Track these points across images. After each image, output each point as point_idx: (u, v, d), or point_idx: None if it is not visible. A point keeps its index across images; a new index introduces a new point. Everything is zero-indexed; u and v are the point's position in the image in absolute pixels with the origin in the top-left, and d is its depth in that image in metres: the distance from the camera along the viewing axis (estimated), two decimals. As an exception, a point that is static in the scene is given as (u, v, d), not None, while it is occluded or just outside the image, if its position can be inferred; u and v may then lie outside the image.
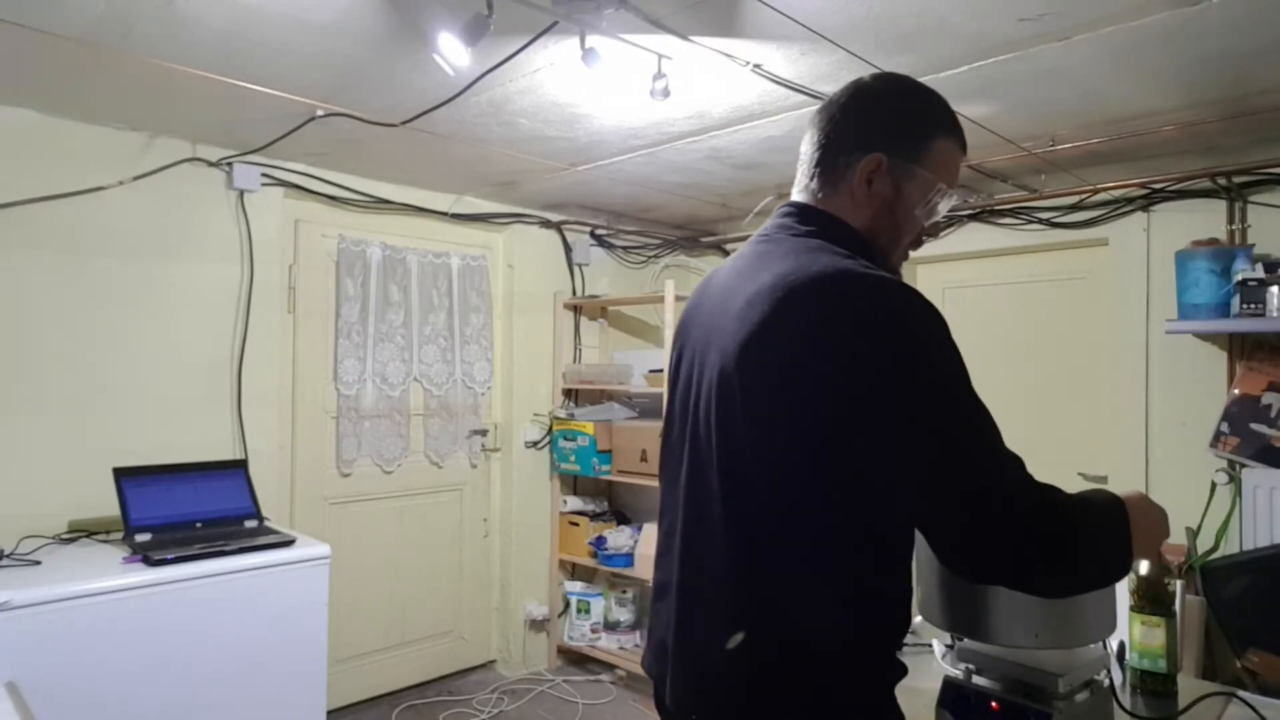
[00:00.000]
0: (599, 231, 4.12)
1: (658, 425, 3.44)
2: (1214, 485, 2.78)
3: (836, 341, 0.91)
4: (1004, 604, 1.15)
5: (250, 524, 2.51)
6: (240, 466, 2.64)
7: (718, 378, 1.02)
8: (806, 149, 1.13)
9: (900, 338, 0.91)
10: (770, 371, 0.95)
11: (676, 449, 1.14)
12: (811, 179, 1.11)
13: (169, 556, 2.12)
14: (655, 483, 3.43)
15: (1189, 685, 1.46)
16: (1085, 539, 0.92)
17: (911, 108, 1.10)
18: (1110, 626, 1.21)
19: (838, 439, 0.91)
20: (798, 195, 1.13)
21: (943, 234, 3.49)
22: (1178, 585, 1.53)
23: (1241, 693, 1.40)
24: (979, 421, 0.91)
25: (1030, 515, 0.88)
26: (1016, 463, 0.91)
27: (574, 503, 3.92)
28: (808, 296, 0.94)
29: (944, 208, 1.10)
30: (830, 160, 1.09)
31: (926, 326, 0.92)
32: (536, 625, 3.83)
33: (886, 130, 1.07)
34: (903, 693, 1.41)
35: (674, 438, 1.16)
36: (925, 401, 0.89)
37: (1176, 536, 2.80)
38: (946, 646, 1.40)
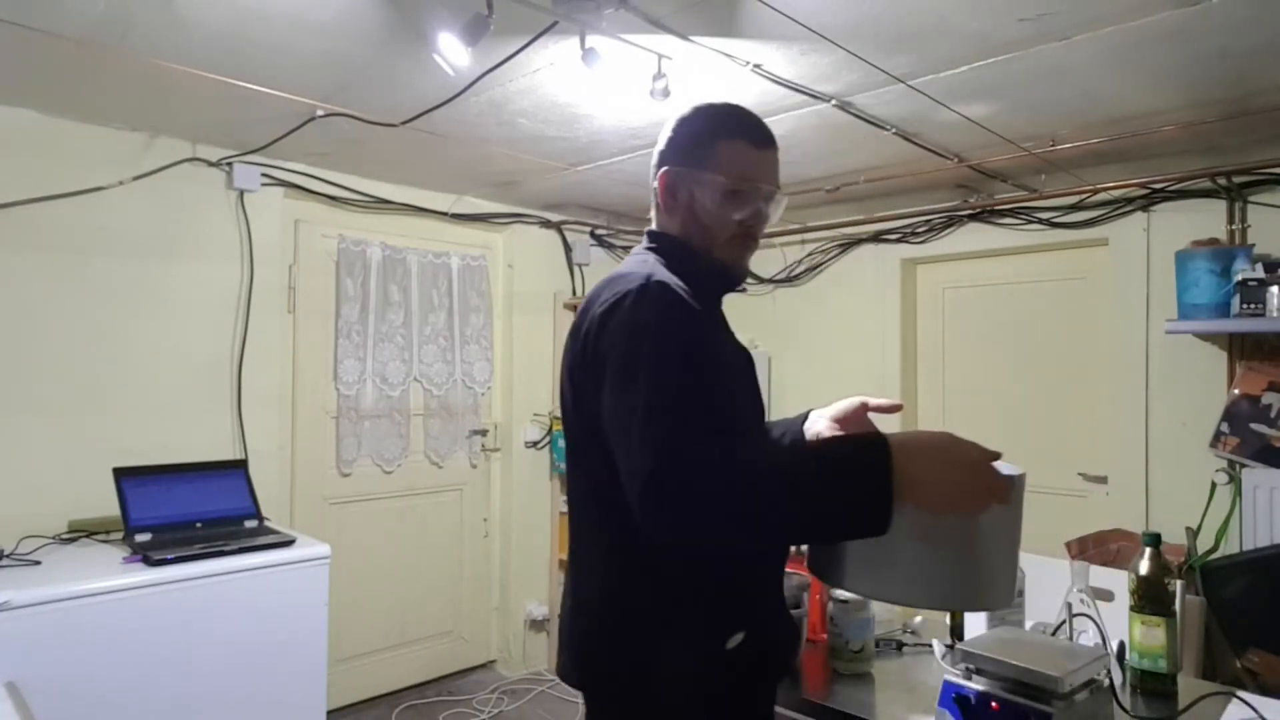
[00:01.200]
0: (599, 231, 4.12)
1: (658, 425, 3.43)
2: (1214, 485, 2.78)
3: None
4: (903, 564, 1.02)
5: (250, 524, 2.51)
6: (240, 466, 2.64)
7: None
8: None
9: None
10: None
11: None
12: (653, 205, 1.28)
13: (169, 556, 2.12)
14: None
15: (1189, 685, 1.46)
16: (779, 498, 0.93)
17: (695, 122, 1.24)
18: (1005, 599, 1.08)
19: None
20: (649, 229, 1.30)
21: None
22: (1178, 585, 1.53)
23: (1241, 693, 1.40)
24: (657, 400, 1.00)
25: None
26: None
27: (574, 503, 3.92)
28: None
29: (753, 207, 1.20)
30: (653, 185, 1.26)
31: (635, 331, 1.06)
32: (536, 625, 3.83)
33: (674, 148, 1.24)
34: (903, 693, 1.42)
35: None
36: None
37: (1176, 536, 2.81)
38: (946, 646, 1.40)
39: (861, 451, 0.94)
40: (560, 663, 1.21)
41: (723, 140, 1.20)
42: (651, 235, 1.28)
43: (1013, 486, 1.00)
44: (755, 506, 0.92)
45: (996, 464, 0.99)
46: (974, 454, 0.97)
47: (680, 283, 1.11)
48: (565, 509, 3.87)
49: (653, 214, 1.29)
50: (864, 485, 0.92)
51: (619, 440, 1.01)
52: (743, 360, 1.31)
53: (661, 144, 1.26)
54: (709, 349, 1.09)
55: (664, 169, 1.23)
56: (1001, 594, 1.05)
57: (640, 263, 1.19)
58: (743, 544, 1.08)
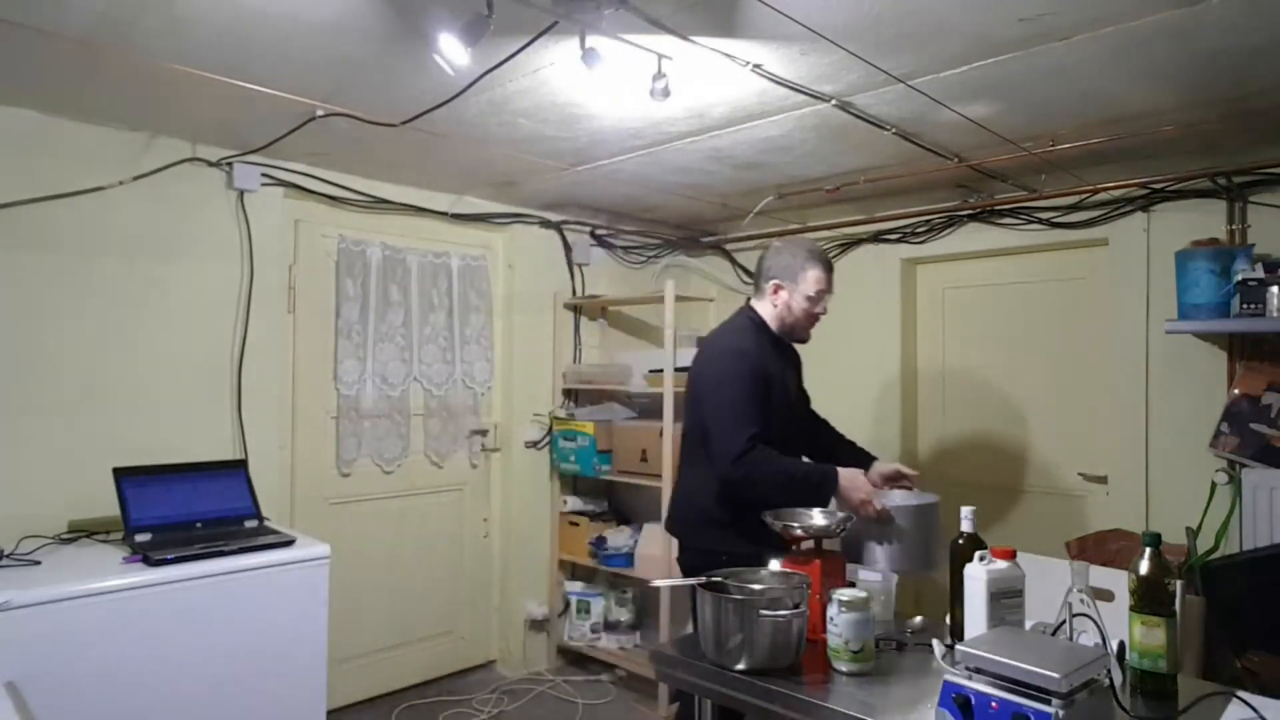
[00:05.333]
0: (599, 231, 4.12)
1: (658, 425, 3.45)
2: (1214, 485, 2.79)
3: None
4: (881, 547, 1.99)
5: (250, 524, 2.50)
6: (240, 466, 2.64)
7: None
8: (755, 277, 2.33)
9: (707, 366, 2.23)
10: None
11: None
12: (754, 289, 2.32)
13: (169, 556, 2.12)
14: (655, 483, 3.45)
15: (1189, 685, 1.46)
16: (757, 481, 2.05)
17: (794, 255, 2.24)
18: (927, 565, 2.02)
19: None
20: (751, 298, 2.33)
21: (933, 238, 3.51)
22: (1178, 585, 1.53)
23: (1241, 693, 1.40)
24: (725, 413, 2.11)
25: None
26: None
27: (574, 503, 3.92)
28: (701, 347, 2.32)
29: (820, 306, 2.25)
30: (759, 281, 2.30)
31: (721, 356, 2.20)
32: (536, 625, 3.83)
33: (779, 268, 2.25)
34: (903, 692, 1.42)
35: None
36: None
37: (1176, 536, 2.81)
38: (946, 646, 1.40)
39: (828, 475, 2.07)
40: (667, 519, 2.37)
41: (811, 269, 2.21)
42: (751, 308, 2.30)
43: (887, 510, 2.00)
44: (760, 489, 2.03)
45: (906, 494, 2.18)
46: (860, 495, 2.02)
47: (755, 340, 2.20)
48: (565, 506, 3.89)
49: (754, 296, 2.31)
50: (820, 490, 2.05)
51: (712, 428, 2.10)
52: (785, 385, 2.23)
53: (769, 260, 2.25)
54: (758, 389, 2.11)
55: (774, 280, 2.23)
56: (925, 564, 2.02)
57: (737, 328, 2.27)
58: (756, 500, 1.98)
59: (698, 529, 2.21)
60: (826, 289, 2.22)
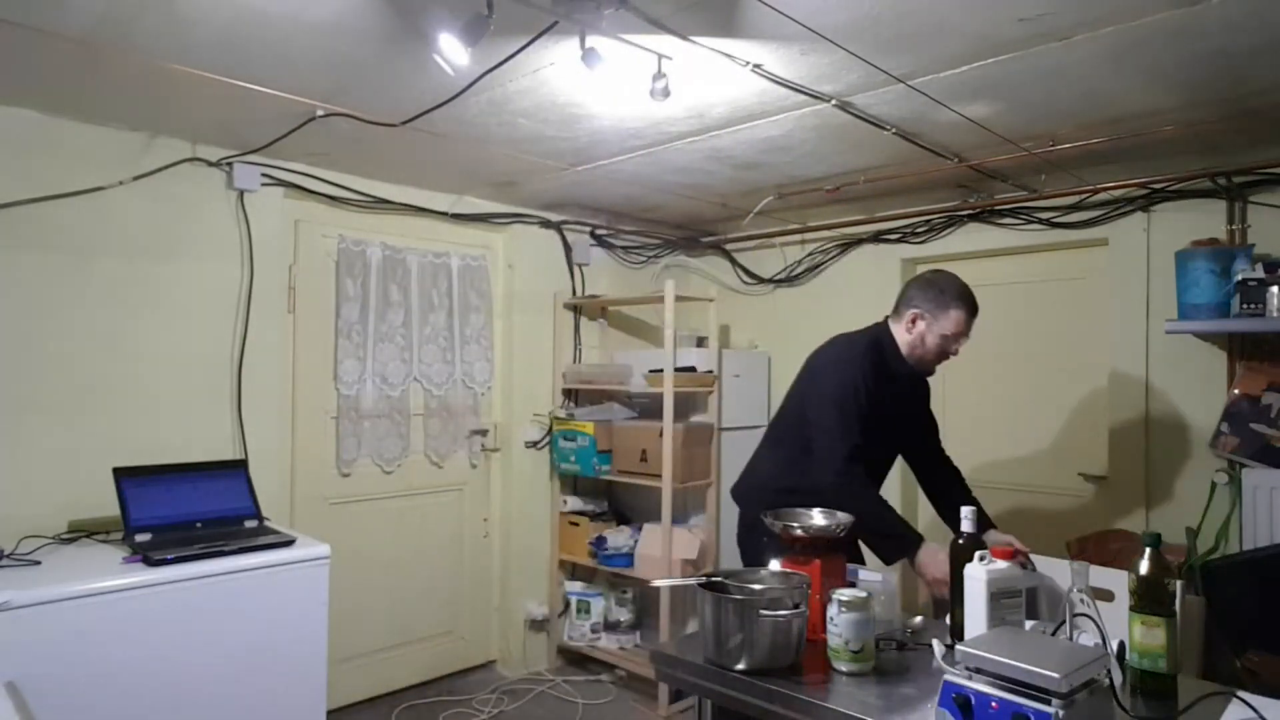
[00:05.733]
0: (599, 231, 4.12)
1: (658, 425, 3.45)
2: (1214, 485, 2.79)
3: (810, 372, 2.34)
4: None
5: (250, 524, 2.50)
6: (240, 466, 2.64)
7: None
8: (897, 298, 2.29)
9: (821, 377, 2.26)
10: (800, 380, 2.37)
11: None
12: (894, 310, 2.27)
13: (169, 556, 2.12)
14: (654, 483, 3.45)
15: (1189, 685, 1.46)
16: (846, 505, 1.92)
17: (941, 291, 2.17)
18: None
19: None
20: (889, 316, 2.28)
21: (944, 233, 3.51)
22: (1178, 585, 1.53)
23: (1241, 693, 1.40)
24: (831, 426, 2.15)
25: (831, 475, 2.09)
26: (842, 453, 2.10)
27: (574, 503, 3.92)
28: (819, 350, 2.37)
29: (954, 346, 2.20)
30: (900, 306, 2.24)
31: (835, 364, 2.23)
32: (536, 625, 3.83)
33: (923, 298, 2.19)
34: (903, 692, 1.42)
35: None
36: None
37: (1176, 536, 2.81)
38: (946, 646, 1.40)
39: (910, 541, 2.02)
40: (734, 486, 2.44)
41: (953, 309, 2.15)
42: (886, 327, 2.26)
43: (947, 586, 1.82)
44: (846, 506, 1.91)
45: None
46: (934, 574, 1.94)
47: (875, 359, 2.19)
48: (565, 506, 3.89)
49: (891, 316, 2.26)
50: (897, 547, 2.05)
51: (818, 433, 2.16)
52: (891, 409, 2.22)
53: (915, 290, 2.20)
54: (861, 408, 2.12)
55: (915, 310, 2.18)
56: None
57: (865, 342, 2.23)
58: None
59: (756, 503, 2.23)
60: (964, 332, 2.18)
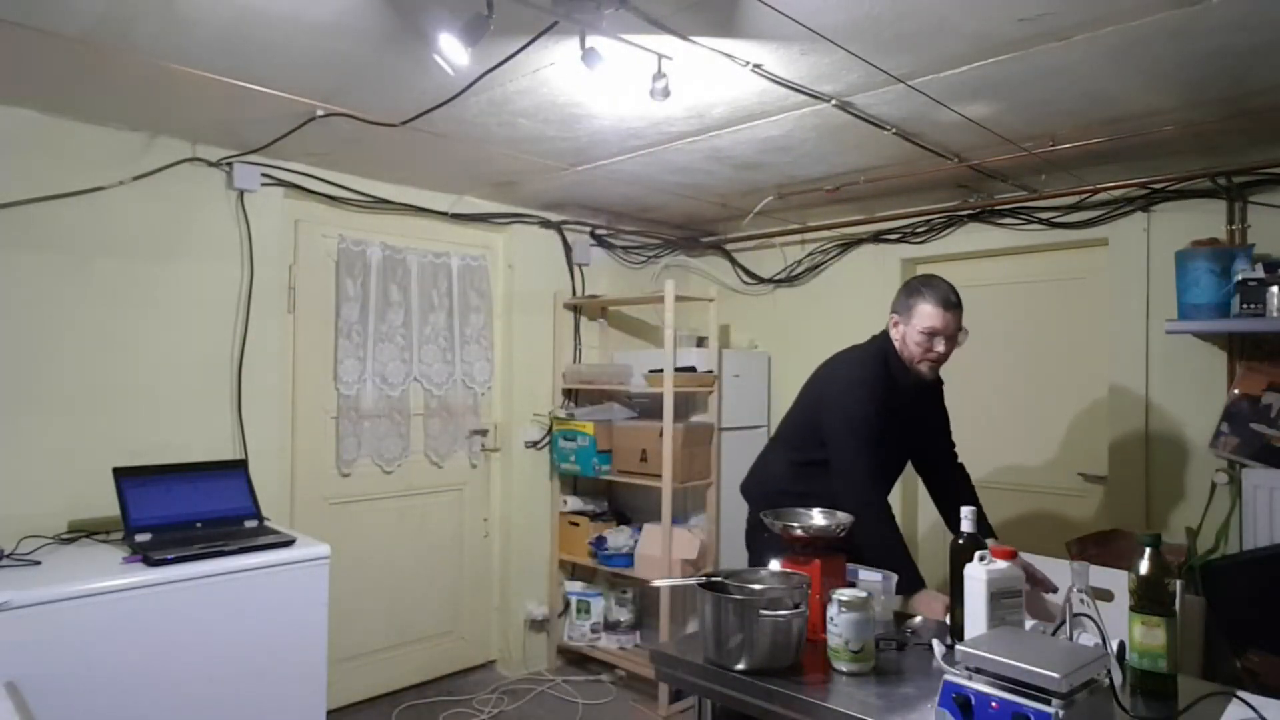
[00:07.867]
0: (599, 231, 4.12)
1: (657, 425, 3.45)
2: (1214, 485, 2.79)
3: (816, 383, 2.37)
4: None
5: (250, 524, 2.50)
6: (240, 466, 2.64)
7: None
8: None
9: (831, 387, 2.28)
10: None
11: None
12: (888, 319, 2.27)
13: (169, 556, 2.12)
14: (654, 483, 3.45)
15: (1189, 685, 1.46)
16: (867, 532, 1.96)
17: (911, 289, 2.19)
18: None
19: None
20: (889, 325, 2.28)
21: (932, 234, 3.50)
22: (1178, 585, 1.53)
23: (1241, 693, 1.40)
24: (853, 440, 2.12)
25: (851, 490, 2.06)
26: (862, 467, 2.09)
27: (574, 503, 3.92)
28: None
29: (935, 343, 2.14)
30: (891, 314, 2.25)
31: (848, 383, 2.21)
32: (536, 625, 3.83)
33: (898, 302, 2.22)
34: (903, 692, 1.42)
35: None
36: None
37: (1176, 536, 2.81)
38: (946, 646, 1.40)
39: (915, 582, 1.97)
40: (745, 482, 2.46)
41: (920, 303, 2.14)
42: (886, 339, 2.25)
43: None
44: (867, 533, 1.96)
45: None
46: (931, 615, 1.89)
47: (877, 370, 2.18)
48: (565, 506, 3.89)
49: (888, 323, 2.25)
50: (900, 580, 1.90)
51: (833, 448, 2.13)
52: (902, 415, 2.21)
53: (895, 298, 2.22)
54: (874, 431, 2.10)
55: (894, 314, 2.22)
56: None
57: (870, 352, 2.25)
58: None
59: (765, 504, 2.21)
60: (940, 327, 2.09)
